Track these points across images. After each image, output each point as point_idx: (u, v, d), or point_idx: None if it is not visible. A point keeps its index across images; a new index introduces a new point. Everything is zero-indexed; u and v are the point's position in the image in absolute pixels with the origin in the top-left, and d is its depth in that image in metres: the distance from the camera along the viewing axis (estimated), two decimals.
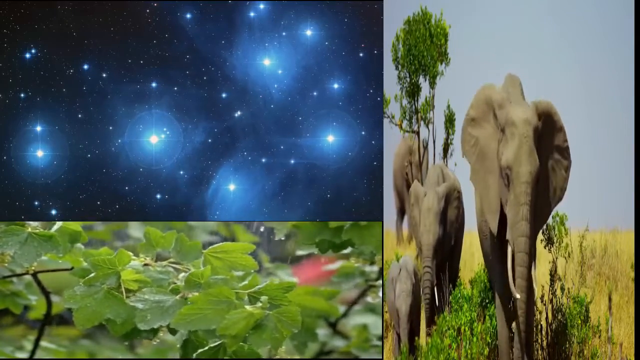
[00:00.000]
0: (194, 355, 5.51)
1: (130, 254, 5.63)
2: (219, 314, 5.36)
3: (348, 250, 6.44)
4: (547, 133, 8.94)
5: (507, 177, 8.74)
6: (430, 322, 10.36)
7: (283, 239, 6.61)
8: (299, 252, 6.52)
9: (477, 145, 9.15)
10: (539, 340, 9.80)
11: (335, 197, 10.77)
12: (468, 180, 9.79)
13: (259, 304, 5.43)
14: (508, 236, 8.78)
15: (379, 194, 10.67)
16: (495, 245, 9.20)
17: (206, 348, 5.49)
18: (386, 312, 10.48)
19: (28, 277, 6.27)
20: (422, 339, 10.39)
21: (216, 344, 5.46)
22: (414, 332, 10.11)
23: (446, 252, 10.50)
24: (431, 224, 10.38)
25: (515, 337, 9.12)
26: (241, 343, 5.35)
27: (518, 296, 8.67)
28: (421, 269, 10.40)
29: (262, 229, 8.17)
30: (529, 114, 8.75)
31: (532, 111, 8.80)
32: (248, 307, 5.37)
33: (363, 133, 10.76)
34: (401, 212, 14.06)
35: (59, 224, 5.77)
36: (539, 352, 9.77)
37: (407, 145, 12.53)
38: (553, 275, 9.96)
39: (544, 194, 8.89)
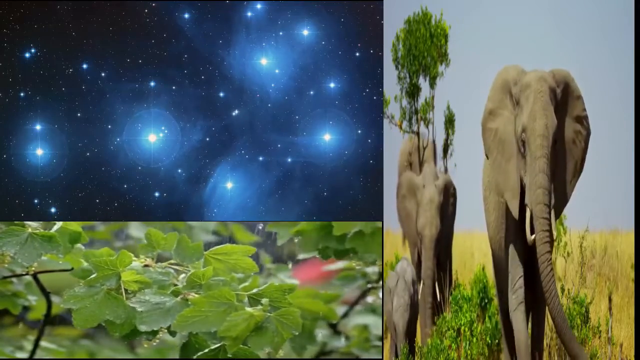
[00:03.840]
0: (194, 357, 5.49)
1: (132, 255, 5.61)
2: (219, 316, 5.33)
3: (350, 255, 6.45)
4: (565, 102, 8.57)
5: (523, 144, 8.32)
6: (433, 318, 10.27)
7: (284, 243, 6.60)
8: (301, 256, 6.50)
9: (496, 137, 8.70)
10: None
11: (331, 195, 10.77)
12: (466, 181, 9.79)
13: (260, 306, 5.41)
14: (526, 200, 8.31)
15: (375, 192, 10.67)
16: (508, 250, 8.85)
17: (206, 350, 5.47)
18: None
19: (28, 278, 6.27)
20: (420, 340, 10.39)
21: (216, 346, 5.44)
22: (413, 342, 10.07)
23: (443, 249, 10.46)
24: (433, 217, 10.32)
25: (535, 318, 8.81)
26: (241, 345, 5.33)
27: (532, 237, 8.15)
28: (423, 265, 10.30)
29: (260, 227, 8.12)
30: (544, 74, 8.43)
31: (549, 74, 8.47)
32: (248, 309, 5.35)
33: (359, 132, 10.76)
34: None
35: (59, 224, 5.75)
36: None
37: (410, 144, 12.52)
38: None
39: (563, 168, 8.49)
